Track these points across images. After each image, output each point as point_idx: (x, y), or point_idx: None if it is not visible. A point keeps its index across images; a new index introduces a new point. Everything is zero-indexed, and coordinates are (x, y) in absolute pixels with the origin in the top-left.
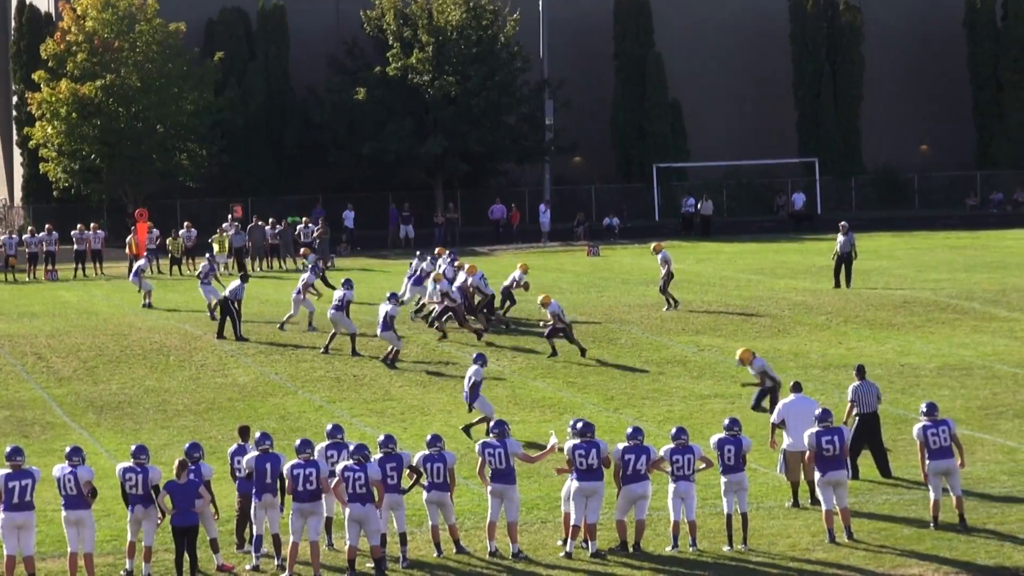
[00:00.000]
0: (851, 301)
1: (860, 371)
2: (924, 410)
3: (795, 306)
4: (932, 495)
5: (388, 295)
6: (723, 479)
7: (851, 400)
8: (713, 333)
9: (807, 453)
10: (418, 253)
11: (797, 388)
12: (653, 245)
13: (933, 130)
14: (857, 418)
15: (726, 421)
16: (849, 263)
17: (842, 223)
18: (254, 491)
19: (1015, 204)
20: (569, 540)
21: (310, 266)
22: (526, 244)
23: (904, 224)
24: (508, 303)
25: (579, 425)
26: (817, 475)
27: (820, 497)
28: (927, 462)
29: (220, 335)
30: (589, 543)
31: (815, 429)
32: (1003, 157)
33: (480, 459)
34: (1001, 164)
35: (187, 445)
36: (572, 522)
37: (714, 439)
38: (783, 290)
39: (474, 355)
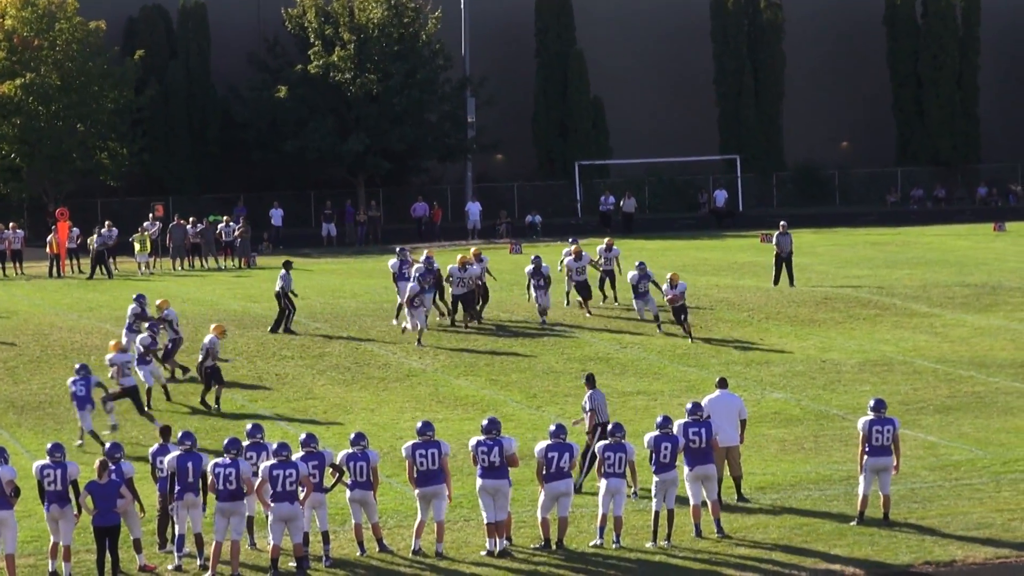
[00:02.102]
0: (773, 298)
1: (590, 380)
2: (872, 405)
3: (717, 303)
4: (862, 490)
5: (148, 325)
6: (656, 477)
7: (591, 408)
8: (635, 330)
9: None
10: (397, 249)
11: (722, 384)
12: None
13: (854, 127)
14: (599, 427)
15: (659, 419)
16: (790, 262)
17: (782, 222)
18: (177, 490)
19: (935, 200)
20: (489, 539)
21: None
22: (449, 242)
23: (825, 220)
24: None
25: (485, 423)
26: (685, 470)
27: (688, 492)
28: (866, 457)
29: (284, 329)
30: (497, 540)
31: (684, 420)
32: (923, 153)
33: (408, 462)
34: (921, 160)
35: (108, 445)
36: (485, 520)
37: (648, 437)
38: (705, 287)
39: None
